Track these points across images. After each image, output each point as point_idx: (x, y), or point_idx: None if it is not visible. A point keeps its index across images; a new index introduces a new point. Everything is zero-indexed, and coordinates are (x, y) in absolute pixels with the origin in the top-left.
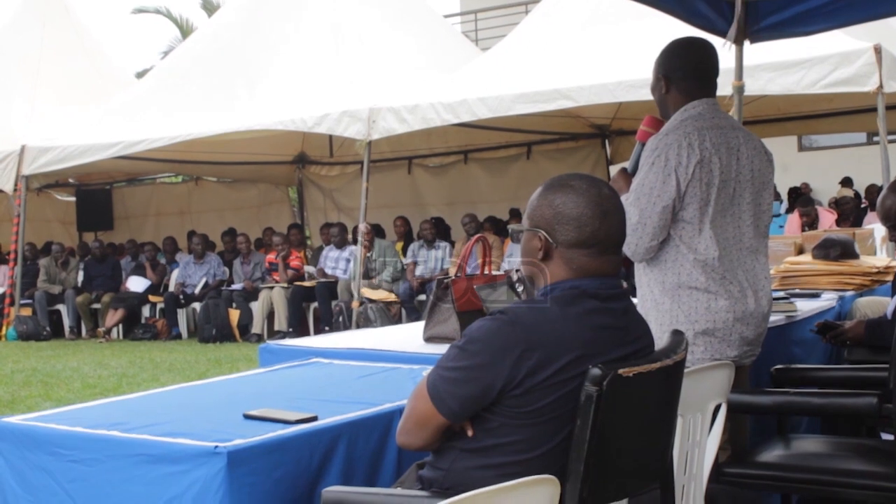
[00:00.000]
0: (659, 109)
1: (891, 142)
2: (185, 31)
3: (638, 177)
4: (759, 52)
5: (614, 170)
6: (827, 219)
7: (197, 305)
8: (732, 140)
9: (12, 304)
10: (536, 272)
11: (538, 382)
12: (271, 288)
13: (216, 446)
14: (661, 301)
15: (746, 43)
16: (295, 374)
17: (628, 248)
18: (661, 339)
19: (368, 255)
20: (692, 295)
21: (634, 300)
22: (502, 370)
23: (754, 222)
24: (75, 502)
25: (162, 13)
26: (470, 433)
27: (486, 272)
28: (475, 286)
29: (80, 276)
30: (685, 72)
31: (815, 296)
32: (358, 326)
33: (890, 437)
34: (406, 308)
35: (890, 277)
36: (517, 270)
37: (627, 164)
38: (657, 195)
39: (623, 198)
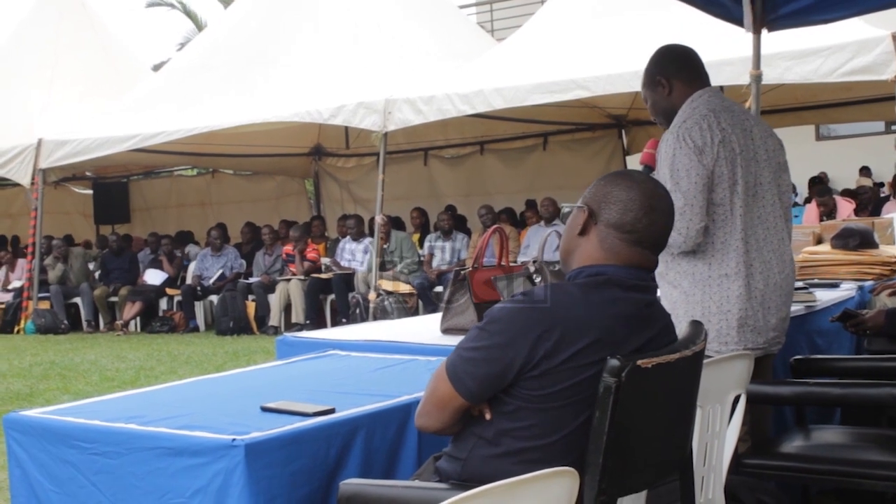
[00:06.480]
0: (665, 119)
1: None
2: (200, 24)
3: (664, 168)
4: (776, 41)
5: (631, 160)
6: (845, 208)
7: (214, 298)
8: (745, 122)
9: (30, 297)
10: (569, 249)
11: (555, 365)
12: (288, 280)
13: (234, 439)
14: (691, 293)
15: (764, 31)
16: (312, 366)
17: (680, 235)
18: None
19: (385, 246)
20: (723, 283)
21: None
22: (521, 350)
23: (779, 202)
24: (103, 494)
25: (176, 7)
26: (488, 416)
27: (503, 263)
28: (492, 277)
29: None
30: (680, 63)
31: (835, 286)
32: (375, 318)
33: None
34: (423, 300)
35: None
36: (534, 261)
37: None
38: (695, 172)
39: None
